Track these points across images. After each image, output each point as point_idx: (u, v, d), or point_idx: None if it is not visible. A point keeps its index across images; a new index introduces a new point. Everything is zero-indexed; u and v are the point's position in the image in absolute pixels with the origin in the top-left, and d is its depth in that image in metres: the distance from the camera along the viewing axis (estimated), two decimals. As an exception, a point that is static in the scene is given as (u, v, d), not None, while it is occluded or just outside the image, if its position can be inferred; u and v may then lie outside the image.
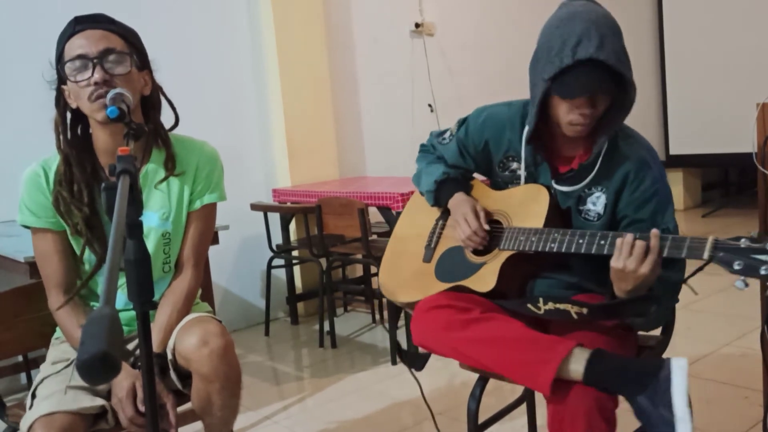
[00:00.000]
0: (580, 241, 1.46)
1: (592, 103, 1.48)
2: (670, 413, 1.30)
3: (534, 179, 1.67)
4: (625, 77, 1.46)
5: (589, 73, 1.43)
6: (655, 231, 1.36)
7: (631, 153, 1.57)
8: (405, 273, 1.80)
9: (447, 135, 1.84)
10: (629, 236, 1.37)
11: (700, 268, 1.37)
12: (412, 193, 1.95)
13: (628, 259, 1.36)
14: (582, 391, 1.37)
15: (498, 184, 1.76)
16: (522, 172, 1.67)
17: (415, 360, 1.83)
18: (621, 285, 1.41)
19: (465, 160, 1.80)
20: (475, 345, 1.50)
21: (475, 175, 1.85)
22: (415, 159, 1.94)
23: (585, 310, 1.46)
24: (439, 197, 1.79)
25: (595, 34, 1.42)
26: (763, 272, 1.22)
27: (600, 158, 1.57)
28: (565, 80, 1.45)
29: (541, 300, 1.51)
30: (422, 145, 1.94)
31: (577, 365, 1.37)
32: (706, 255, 1.29)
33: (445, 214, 1.80)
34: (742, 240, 1.26)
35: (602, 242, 1.43)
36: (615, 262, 1.38)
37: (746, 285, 1.25)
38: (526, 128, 1.62)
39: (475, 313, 1.53)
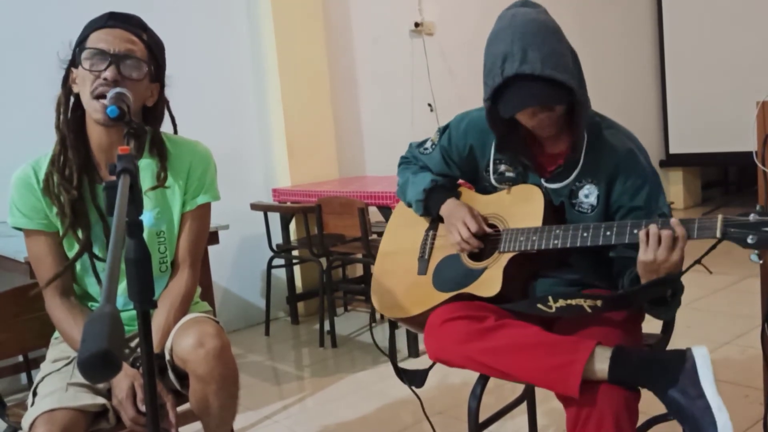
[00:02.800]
0: (584, 234, 1.45)
1: (544, 108, 1.48)
2: (706, 403, 1.29)
3: (524, 180, 1.66)
4: (556, 80, 1.43)
5: (520, 87, 1.44)
6: (675, 219, 1.35)
7: (617, 143, 1.57)
8: (400, 289, 1.77)
9: (428, 144, 1.83)
10: (654, 227, 1.35)
11: (713, 247, 1.35)
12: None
13: (657, 250, 1.34)
14: (610, 391, 1.35)
15: (486, 188, 1.74)
16: (489, 175, 1.67)
17: (414, 377, 1.81)
18: (652, 276, 1.39)
19: (450, 167, 1.78)
20: (497, 354, 1.47)
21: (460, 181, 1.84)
22: (396, 172, 1.91)
23: (599, 302, 1.44)
24: (429, 206, 1.76)
25: (517, 49, 1.42)
26: None
27: (584, 152, 1.56)
28: (502, 99, 1.47)
29: (550, 298, 1.49)
30: (403, 158, 1.92)
31: (602, 364, 1.36)
32: (718, 233, 1.29)
33: (435, 223, 1.78)
34: (752, 215, 1.27)
35: (608, 233, 1.42)
36: (645, 255, 1.36)
37: (760, 259, 1.26)
38: (494, 141, 1.65)
39: (491, 321, 1.50)
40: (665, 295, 1.43)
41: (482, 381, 1.64)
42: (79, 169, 1.59)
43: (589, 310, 1.45)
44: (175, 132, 1.73)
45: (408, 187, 1.83)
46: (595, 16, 6.17)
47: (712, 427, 1.28)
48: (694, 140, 6.36)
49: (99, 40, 1.53)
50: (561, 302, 1.47)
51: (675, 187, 6.71)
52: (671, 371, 1.34)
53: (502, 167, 1.69)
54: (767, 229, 1.25)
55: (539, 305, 1.50)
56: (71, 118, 1.61)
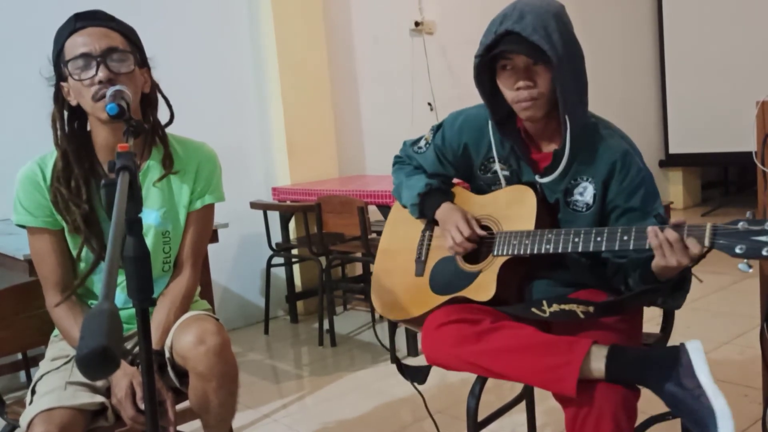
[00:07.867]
0: (576, 239, 1.45)
1: (528, 77, 1.48)
2: (702, 392, 1.30)
3: (518, 177, 1.65)
4: (540, 48, 1.43)
5: (510, 43, 1.46)
6: (668, 227, 1.34)
7: (614, 143, 1.57)
8: (398, 289, 1.76)
9: (422, 143, 1.82)
10: (672, 234, 1.32)
11: (703, 256, 1.33)
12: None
13: (674, 255, 1.32)
14: (607, 390, 1.35)
15: (480, 187, 1.74)
16: (498, 169, 1.66)
17: (416, 374, 1.80)
18: (669, 276, 1.39)
19: (444, 166, 1.77)
20: (492, 356, 1.47)
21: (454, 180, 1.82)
22: (391, 171, 1.90)
23: (591, 309, 1.44)
24: (424, 209, 1.75)
25: (516, 12, 1.46)
26: (765, 253, 1.22)
27: (568, 142, 1.53)
28: (490, 54, 1.49)
29: (545, 303, 1.50)
30: (397, 157, 1.91)
31: (598, 363, 1.36)
32: (707, 242, 1.28)
33: (431, 224, 1.77)
34: (740, 223, 1.26)
35: (598, 239, 1.42)
36: (665, 261, 1.33)
37: (750, 267, 1.25)
38: (490, 122, 1.64)
39: (486, 323, 1.50)
40: (656, 302, 1.43)
41: (481, 380, 1.64)
42: (86, 180, 1.59)
43: (582, 316, 1.46)
44: (172, 114, 1.71)
45: (403, 190, 1.81)
46: (596, 15, 6.16)
47: (710, 414, 1.28)
48: (694, 140, 6.36)
49: (77, 45, 1.52)
50: (555, 307, 1.48)
51: (674, 187, 6.71)
52: (667, 367, 1.35)
53: (496, 165, 1.68)
54: (756, 239, 1.23)
55: (534, 309, 1.51)
56: (69, 131, 1.61)
